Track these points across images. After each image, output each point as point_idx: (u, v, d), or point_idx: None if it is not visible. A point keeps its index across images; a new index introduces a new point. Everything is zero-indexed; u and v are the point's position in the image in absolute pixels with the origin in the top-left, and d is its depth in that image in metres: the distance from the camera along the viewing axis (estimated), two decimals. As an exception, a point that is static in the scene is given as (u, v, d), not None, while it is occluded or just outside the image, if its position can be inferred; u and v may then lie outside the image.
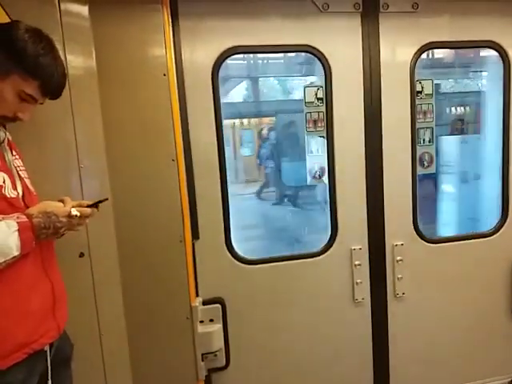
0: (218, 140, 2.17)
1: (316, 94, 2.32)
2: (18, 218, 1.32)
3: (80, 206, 1.48)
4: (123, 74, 1.92)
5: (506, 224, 2.58)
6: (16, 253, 1.29)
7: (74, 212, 1.42)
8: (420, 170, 2.46)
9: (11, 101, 1.37)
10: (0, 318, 1.32)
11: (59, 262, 1.60)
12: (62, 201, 1.50)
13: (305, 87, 2.31)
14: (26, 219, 1.33)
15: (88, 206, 1.50)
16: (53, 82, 1.42)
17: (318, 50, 2.23)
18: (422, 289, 2.51)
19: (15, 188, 1.41)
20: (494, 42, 2.44)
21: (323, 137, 2.35)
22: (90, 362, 1.96)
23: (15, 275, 1.35)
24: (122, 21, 1.91)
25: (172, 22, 2.02)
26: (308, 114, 2.34)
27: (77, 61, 1.80)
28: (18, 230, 1.29)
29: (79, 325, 1.88)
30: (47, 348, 1.47)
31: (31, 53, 1.35)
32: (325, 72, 2.26)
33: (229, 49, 2.12)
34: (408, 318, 2.53)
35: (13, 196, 1.38)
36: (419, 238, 2.47)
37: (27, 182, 1.51)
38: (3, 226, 1.28)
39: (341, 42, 2.26)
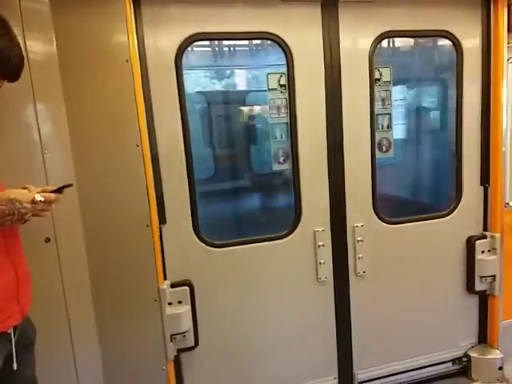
0: (183, 125, 2.21)
1: (279, 81, 2.38)
2: None
3: (44, 191, 1.50)
4: (85, 60, 1.93)
5: (459, 205, 2.73)
6: None
7: (38, 198, 1.44)
8: (379, 155, 2.56)
9: None
10: None
11: (25, 248, 1.62)
12: (25, 188, 1.51)
13: (267, 74, 2.37)
14: None
15: (52, 192, 1.52)
16: (10, 65, 1.41)
17: (280, 38, 2.28)
18: (381, 267, 2.64)
19: None
20: (448, 32, 2.56)
21: (286, 123, 2.42)
22: (59, 346, 2.00)
23: None
24: (84, 7, 1.90)
25: (134, 8, 2.03)
26: (271, 101, 2.41)
27: (37, 46, 1.80)
28: None
29: (47, 309, 1.91)
30: (11, 331, 1.50)
31: None
32: (286, 59, 2.32)
33: (191, 35, 2.15)
34: (369, 295, 2.65)
35: None
36: (378, 220, 2.59)
37: None
38: None
39: (302, 30, 2.31)
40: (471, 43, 2.58)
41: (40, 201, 1.44)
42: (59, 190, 1.54)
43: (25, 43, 1.75)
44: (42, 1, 1.80)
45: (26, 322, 1.59)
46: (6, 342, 1.49)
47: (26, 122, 1.83)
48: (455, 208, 2.73)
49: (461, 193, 2.72)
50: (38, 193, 1.46)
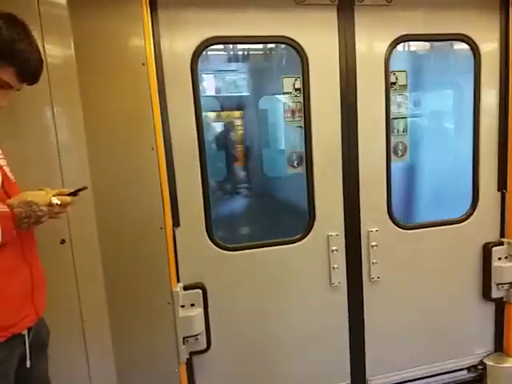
0: (197, 128, 2.21)
1: (294, 85, 2.37)
2: None
3: (60, 194, 1.51)
4: (103, 63, 1.95)
5: (476, 211, 2.69)
6: None
7: (55, 201, 1.45)
8: (394, 159, 2.54)
9: None
10: None
11: (41, 249, 1.63)
12: (41, 190, 1.52)
13: (283, 77, 2.37)
14: (7, 209, 1.35)
15: (68, 195, 1.53)
16: (29, 68, 1.42)
17: (295, 41, 2.28)
18: (395, 273, 2.61)
19: None
20: (466, 36, 2.52)
21: (301, 127, 2.41)
22: (73, 347, 2.01)
23: None
24: (101, 11, 1.93)
25: (151, 12, 2.04)
26: (286, 105, 2.40)
27: (55, 50, 1.82)
28: None
29: (61, 310, 1.92)
30: (25, 332, 1.51)
31: (6, 38, 1.34)
32: (302, 63, 2.31)
33: (207, 39, 2.15)
34: (382, 301, 2.62)
35: None
36: (393, 225, 2.56)
37: (6, 170, 1.53)
38: None
39: (317, 33, 2.31)
40: (489, 47, 2.54)
41: (56, 204, 1.45)
42: (75, 193, 1.56)
43: (43, 47, 1.76)
44: (60, 5, 1.82)
45: (40, 323, 1.61)
46: (20, 344, 1.50)
47: (43, 124, 1.85)
48: (472, 214, 2.69)
49: (477, 198, 2.68)
50: (54, 195, 1.48)
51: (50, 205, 1.44)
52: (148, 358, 2.19)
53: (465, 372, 2.87)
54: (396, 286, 2.63)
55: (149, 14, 2.02)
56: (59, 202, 1.46)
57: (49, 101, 1.83)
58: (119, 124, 2.00)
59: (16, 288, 1.46)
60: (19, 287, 1.47)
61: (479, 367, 2.87)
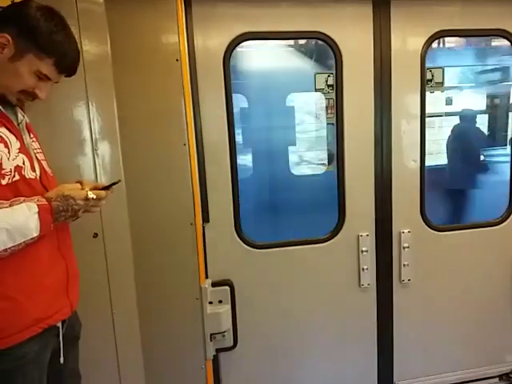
0: (228, 125, 2.20)
1: (326, 81, 2.34)
2: (38, 200, 1.37)
3: (95, 187, 1.53)
4: (137, 59, 1.96)
5: (513, 213, 2.59)
6: (35, 234, 1.34)
7: (91, 195, 1.46)
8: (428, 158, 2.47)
9: (28, 79, 1.39)
10: (19, 294, 1.38)
11: (74, 243, 1.65)
12: (79, 182, 1.54)
13: (315, 74, 2.33)
14: (46, 202, 1.38)
15: (102, 189, 1.55)
16: (67, 59, 1.43)
17: (330, 37, 2.24)
18: (427, 276, 2.54)
19: (34, 169, 1.45)
20: (504, 31, 2.43)
21: (333, 124, 2.38)
22: (103, 339, 2.04)
23: (33, 254, 1.40)
24: (136, 7, 1.93)
25: (185, 8, 2.04)
26: (318, 102, 2.37)
27: (92, 46, 1.84)
28: (38, 212, 1.33)
29: (92, 303, 1.95)
30: (60, 324, 1.53)
31: (44, 30, 1.35)
32: (335, 59, 2.27)
33: (240, 35, 2.14)
34: (413, 304, 2.56)
35: (31, 177, 1.42)
36: (426, 226, 2.49)
37: (44, 164, 1.55)
38: (24, 208, 1.32)
39: (352, 29, 2.26)
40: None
41: (92, 198, 1.46)
42: (108, 187, 1.57)
43: (80, 43, 1.79)
44: (97, 1, 1.84)
45: (73, 316, 1.62)
46: (54, 336, 1.52)
47: (78, 119, 1.88)
48: (508, 216, 2.59)
49: (515, 200, 2.58)
50: (89, 189, 1.49)
51: (87, 199, 1.45)
52: (175, 353, 2.20)
53: (496, 380, 2.78)
54: (427, 289, 2.56)
55: (183, 10, 2.02)
56: (95, 197, 1.47)
57: (84, 96, 1.86)
58: (152, 119, 2.01)
59: (52, 280, 1.48)
60: (55, 279, 1.49)
61: (511, 375, 2.77)
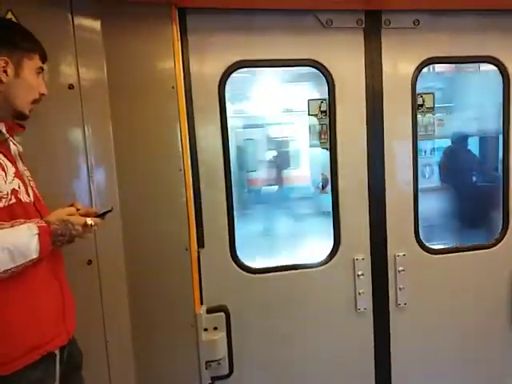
0: (223, 151, 2.22)
1: (320, 107, 2.37)
2: (38, 222, 1.38)
3: (88, 212, 1.54)
4: (133, 86, 1.98)
5: (506, 235, 2.60)
6: (35, 256, 1.34)
7: (90, 222, 1.48)
8: (421, 182, 2.49)
9: (35, 82, 1.49)
10: (16, 321, 1.37)
11: (68, 270, 1.63)
12: (72, 205, 1.55)
13: (309, 100, 2.37)
14: (45, 224, 1.39)
15: (96, 216, 1.55)
16: (42, 47, 1.53)
17: (322, 65, 2.29)
18: (423, 299, 2.53)
19: (28, 194, 1.46)
20: (493, 58, 2.50)
21: (326, 148, 2.40)
22: (96, 369, 1.98)
23: (29, 278, 1.39)
24: (133, 36, 1.97)
25: (181, 36, 2.08)
26: (312, 127, 2.40)
27: (89, 73, 1.87)
28: (39, 233, 1.34)
29: (86, 331, 1.90)
30: (57, 352, 1.50)
31: (20, 33, 1.47)
32: (328, 86, 2.31)
33: (235, 63, 2.18)
34: (409, 328, 2.54)
35: (27, 201, 1.44)
36: (421, 249, 2.49)
37: (36, 191, 1.56)
38: (25, 229, 1.34)
39: (344, 56, 2.31)
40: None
41: (91, 225, 1.47)
42: (103, 215, 1.57)
43: (77, 70, 1.82)
44: (94, 30, 1.87)
45: (73, 345, 1.61)
46: (53, 364, 1.49)
47: (74, 145, 1.89)
48: (502, 239, 2.61)
49: (508, 223, 2.60)
50: (82, 214, 1.50)
51: (85, 225, 1.45)
52: (170, 381, 2.16)
53: (496, 404, 2.75)
54: (423, 312, 2.55)
55: (179, 39, 2.06)
56: (93, 223, 1.47)
57: (80, 122, 1.87)
58: (148, 145, 2.02)
59: (49, 305, 1.47)
60: (52, 304, 1.49)
61: (511, 400, 2.74)
